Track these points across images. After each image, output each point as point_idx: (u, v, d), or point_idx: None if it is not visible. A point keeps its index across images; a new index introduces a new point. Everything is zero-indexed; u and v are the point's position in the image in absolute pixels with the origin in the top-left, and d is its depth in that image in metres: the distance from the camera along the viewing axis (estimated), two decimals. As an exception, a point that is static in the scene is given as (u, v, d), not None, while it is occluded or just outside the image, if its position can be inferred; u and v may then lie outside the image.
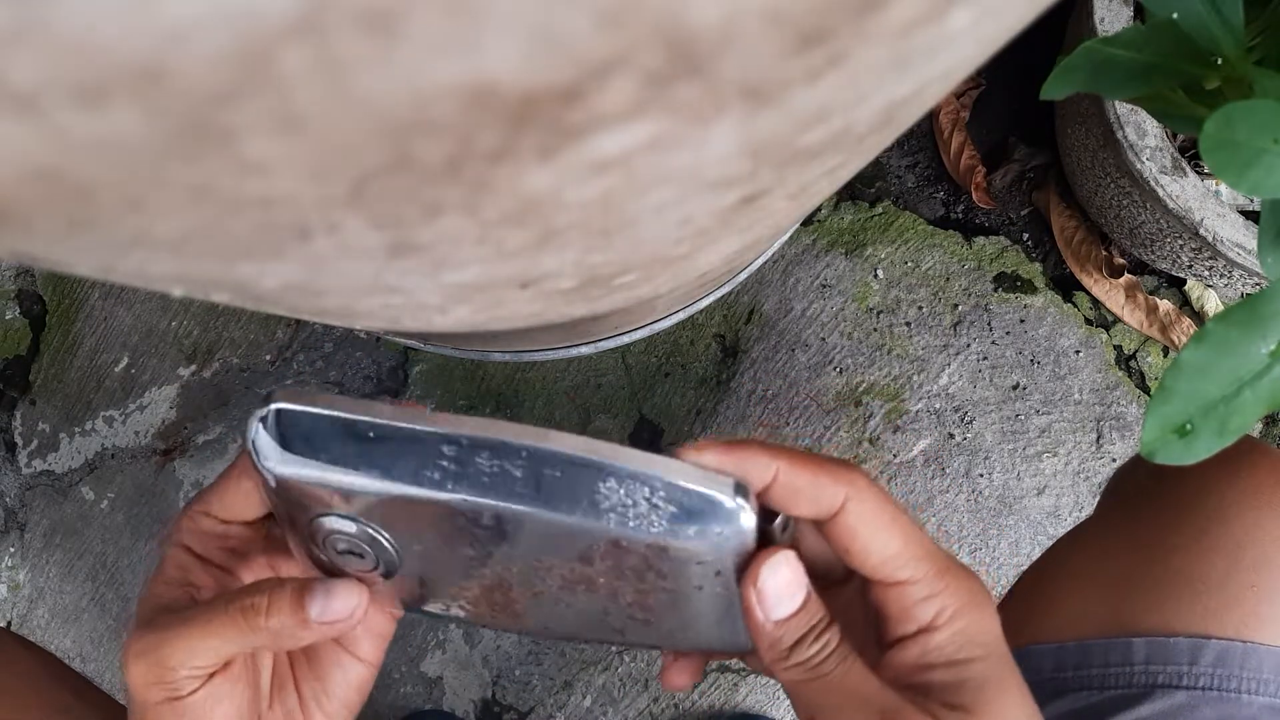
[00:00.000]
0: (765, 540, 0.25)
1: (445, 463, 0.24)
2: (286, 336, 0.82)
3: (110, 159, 0.10)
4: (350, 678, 0.30)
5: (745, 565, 0.25)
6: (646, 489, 0.24)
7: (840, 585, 0.29)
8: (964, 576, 0.26)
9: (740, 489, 0.24)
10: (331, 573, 0.28)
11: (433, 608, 0.29)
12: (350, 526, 0.25)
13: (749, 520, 0.24)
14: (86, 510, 0.83)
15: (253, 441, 0.24)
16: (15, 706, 0.40)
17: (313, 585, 0.26)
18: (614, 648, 0.79)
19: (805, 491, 0.25)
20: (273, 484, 0.25)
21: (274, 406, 0.24)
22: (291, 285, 0.16)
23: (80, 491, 0.83)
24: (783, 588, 0.25)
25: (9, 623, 0.83)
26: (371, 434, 0.24)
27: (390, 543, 0.26)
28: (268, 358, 0.82)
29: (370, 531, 0.25)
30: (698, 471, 0.24)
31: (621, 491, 0.24)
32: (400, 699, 0.80)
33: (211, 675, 0.26)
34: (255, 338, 0.82)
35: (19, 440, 0.84)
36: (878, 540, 0.25)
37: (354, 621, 0.26)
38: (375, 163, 0.11)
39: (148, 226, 0.12)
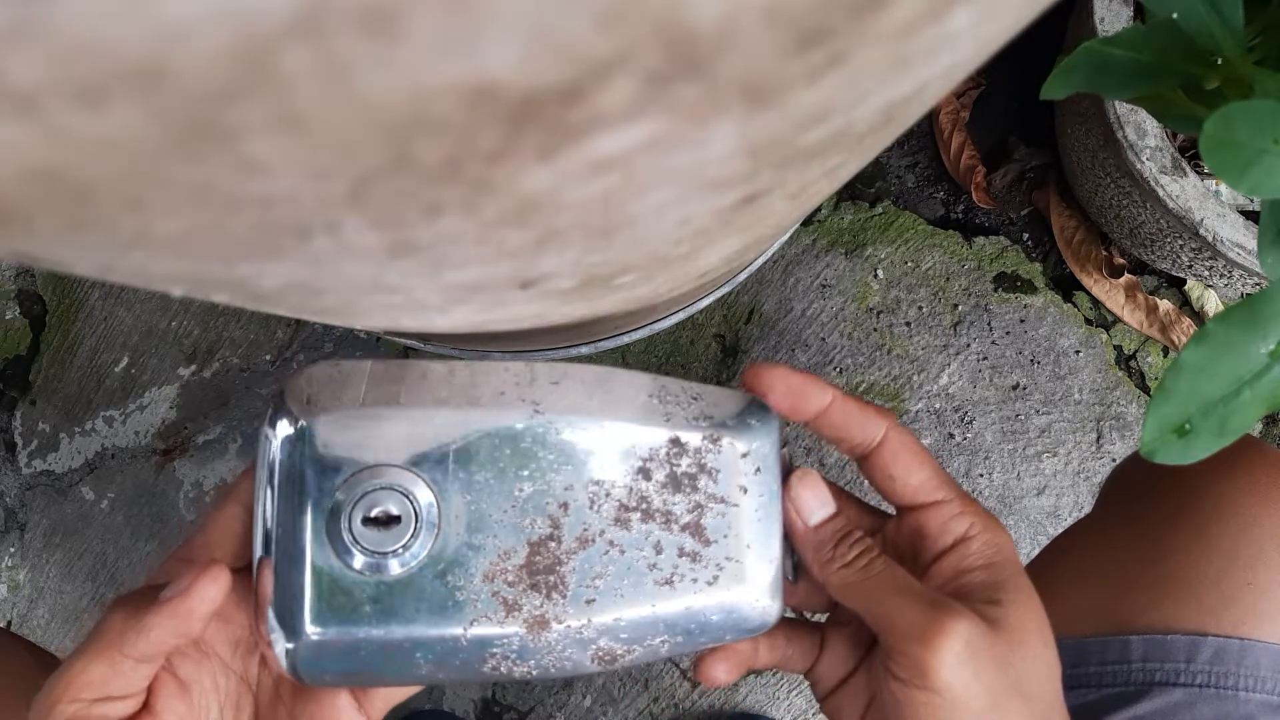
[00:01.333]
0: (786, 451, 0.29)
1: (516, 382, 0.26)
2: (286, 336, 0.82)
3: (110, 159, 0.10)
4: None
5: (776, 471, 0.28)
6: (695, 394, 0.28)
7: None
8: (985, 511, 0.29)
9: (760, 402, 0.28)
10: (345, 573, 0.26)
11: (467, 598, 0.26)
12: (393, 477, 0.25)
13: (770, 413, 0.28)
14: (86, 510, 0.83)
15: (282, 396, 0.25)
16: (15, 706, 0.40)
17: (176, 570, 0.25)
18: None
19: (855, 418, 0.29)
20: (321, 441, 0.24)
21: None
22: (291, 285, 0.16)
23: (80, 491, 0.83)
24: (814, 494, 0.29)
25: (9, 623, 0.83)
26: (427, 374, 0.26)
27: (435, 490, 0.25)
28: (268, 357, 0.82)
29: (415, 476, 0.25)
30: (725, 389, 0.28)
31: (675, 397, 0.28)
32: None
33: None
34: (255, 337, 0.82)
35: (19, 440, 0.84)
36: (915, 466, 0.29)
37: (203, 604, 0.24)
38: (375, 162, 0.11)
39: (148, 226, 0.12)
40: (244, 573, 0.27)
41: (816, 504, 0.29)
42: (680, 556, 0.27)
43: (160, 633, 0.24)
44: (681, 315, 0.51)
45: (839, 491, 0.31)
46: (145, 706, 0.25)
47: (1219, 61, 0.37)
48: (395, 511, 0.25)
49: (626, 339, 0.51)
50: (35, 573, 0.84)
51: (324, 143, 0.10)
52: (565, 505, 0.26)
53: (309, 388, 0.25)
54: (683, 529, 0.27)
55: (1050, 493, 0.77)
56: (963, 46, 0.13)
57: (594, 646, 0.27)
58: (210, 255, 0.13)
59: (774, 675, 0.77)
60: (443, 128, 0.10)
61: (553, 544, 0.26)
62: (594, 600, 0.26)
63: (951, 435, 0.77)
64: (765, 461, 0.28)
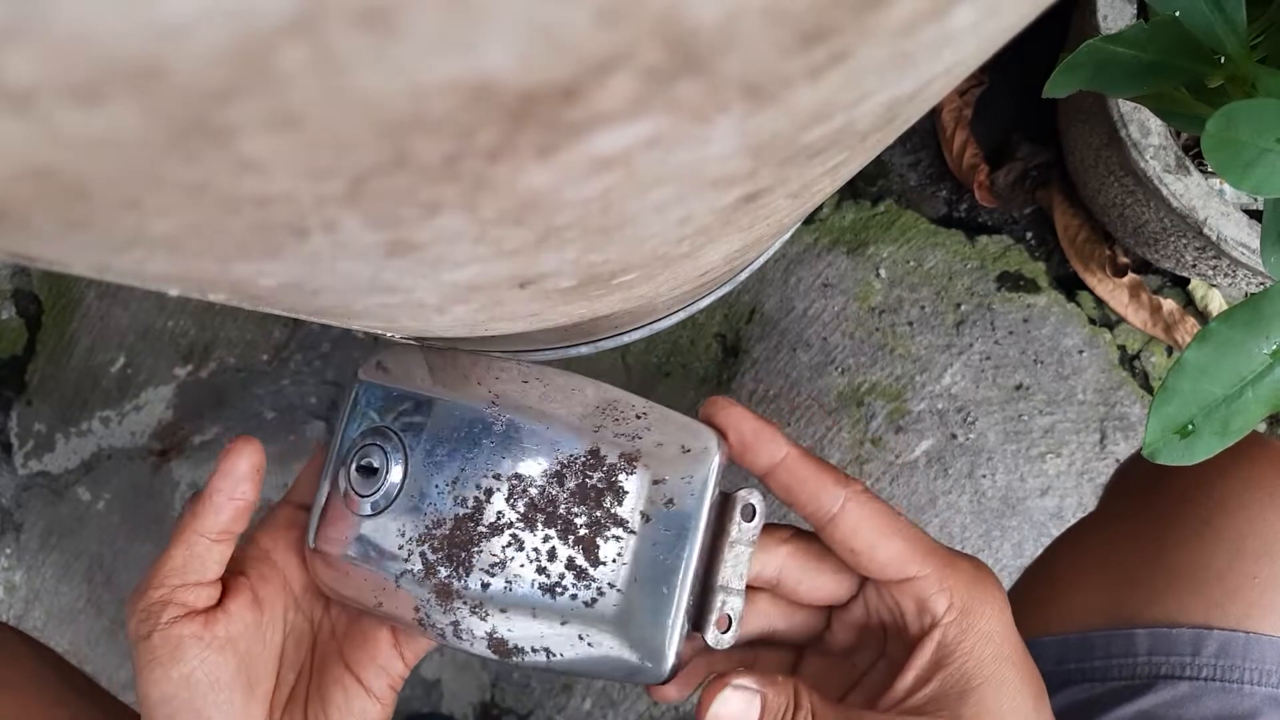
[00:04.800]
0: (725, 511, 0.28)
1: (491, 377, 0.29)
2: (284, 336, 0.82)
3: (107, 157, 0.10)
4: (352, 706, 0.31)
5: (698, 511, 0.27)
6: (641, 411, 0.28)
7: (846, 606, 0.30)
8: (973, 568, 0.28)
9: (716, 434, 0.27)
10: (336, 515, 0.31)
11: (395, 554, 0.29)
12: (383, 437, 0.29)
13: (713, 457, 0.27)
14: (83, 511, 0.83)
15: (358, 370, 0.31)
16: (17, 702, 0.40)
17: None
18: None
19: (809, 483, 0.27)
20: (358, 395, 0.31)
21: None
22: (288, 284, 0.16)
23: (76, 492, 0.83)
24: (735, 714, 0.26)
25: (5, 622, 0.83)
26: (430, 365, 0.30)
27: (406, 452, 0.29)
28: (264, 357, 0.82)
29: (397, 440, 0.29)
30: (684, 416, 0.28)
31: (619, 412, 0.28)
32: (399, 702, 0.80)
33: (184, 618, 0.28)
34: (252, 337, 0.82)
35: (15, 441, 0.84)
36: (881, 540, 0.26)
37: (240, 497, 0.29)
38: (373, 161, 0.11)
39: (144, 225, 0.12)
40: None
41: (741, 714, 0.26)
42: (568, 569, 0.27)
43: (219, 497, 0.29)
44: (682, 315, 0.51)
45: (785, 606, 0.30)
46: (220, 606, 0.29)
47: (1222, 60, 0.37)
48: (375, 464, 0.29)
49: (626, 339, 0.51)
50: (31, 574, 0.84)
51: (321, 141, 0.10)
52: (489, 492, 0.28)
53: (379, 365, 0.31)
54: (577, 542, 0.27)
55: (1054, 493, 0.77)
56: (965, 44, 0.13)
57: (489, 630, 0.28)
58: (207, 254, 0.13)
59: (775, 675, 0.77)
60: (441, 126, 0.10)
61: (470, 524, 0.28)
62: (489, 585, 0.28)
63: (954, 436, 0.77)
64: (680, 496, 0.26)
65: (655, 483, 0.27)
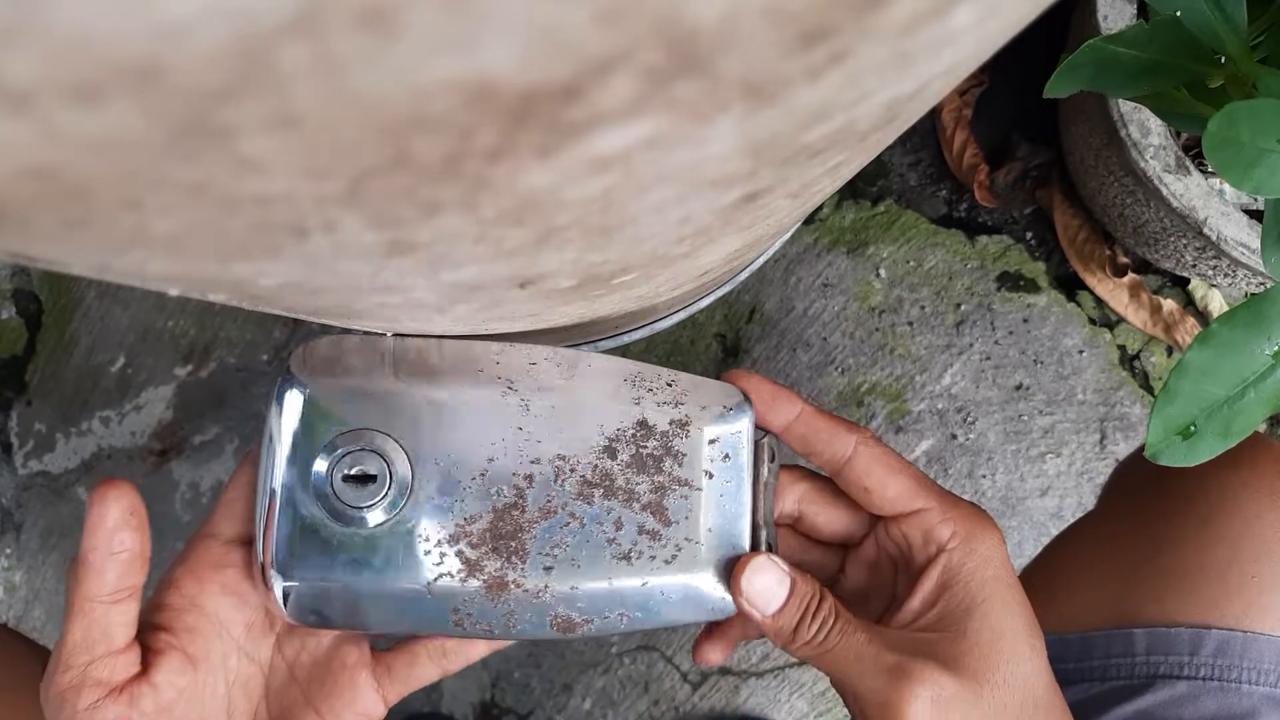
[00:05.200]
0: (759, 454, 0.29)
1: (496, 359, 0.28)
2: (284, 336, 0.82)
3: (107, 157, 0.10)
4: (360, 706, 0.30)
5: (746, 460, 0.29)
6: (669, 380, 0.28)
7: (859, 545, 0.32)
8: (971, 508, 0.29)
9: (741, 392, 0.29)
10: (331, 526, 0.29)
11: (420, 561, 0.28)
12: (369, 439, 0.27)
13: (748, 407, 0.29)
14: (83, 511, 0.83)
15: (289, 365, 0.27)
16: (15, 704, 0.40)
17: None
18: (614, 650, 0.78)
19: (823, 432, 0.29)
20: (308, 397, 0.27)
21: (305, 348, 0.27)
22: (288, 284, 0.16)
23: (76, 492, 0.83)
24: (767, 587, 0.28)
25: (4, 623, 0.83)
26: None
27: (410, 455, 0.27)
28: (265, 357, 0.82)
29: (393, 441, 0.27)
30: (705, 378, 0.29)
31: (649, 382, 0.28)
32: (398, 702, 0.80)
33: (123, 690, 0.26)
34: (252, 337, 0.82)
35: (15, 441, 0.84)
36: (890, 477, 0.29)
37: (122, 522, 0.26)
38: (373, 161, 0.11)
39: (144, 225, 0.12)
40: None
41: (770, 593, 0.28)
42: (640, 534, 0.28)
43: (95, 556, 0.25)
44: (682, 314, 0.51)
45: (804, 541, 0.32)
46: (144, 676, 0.26)
47: (1222, 60, 0.37)
48: (372, 471, 0.27)
49: (626, 339, 0.51)
50: (31, 574, 0.84)
51: (321, 141, 0.10)
52: (530, 477, 0.28)
53: (310, 360, 0.28)
54: (644, 508, 0.28)
55: (1054, 494, 0.77)
56: (965, 44, 0.13)
57: (552, 613, 0.28)
58: (207, 254, 0.13)
59: (775, 679, 0.77)
60: (441, 126, 0.10)
61: (516, 512, 0.28)
62: (552, 568, 0.28)
63: (954, 436, 0.77)
64: (734, 449, 0.28)
65: (711, 442, 0.28)
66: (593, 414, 0.28)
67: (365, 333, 0.27)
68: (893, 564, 0.30)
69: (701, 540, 0.28)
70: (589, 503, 0.28)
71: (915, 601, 0.28)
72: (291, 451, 0.27)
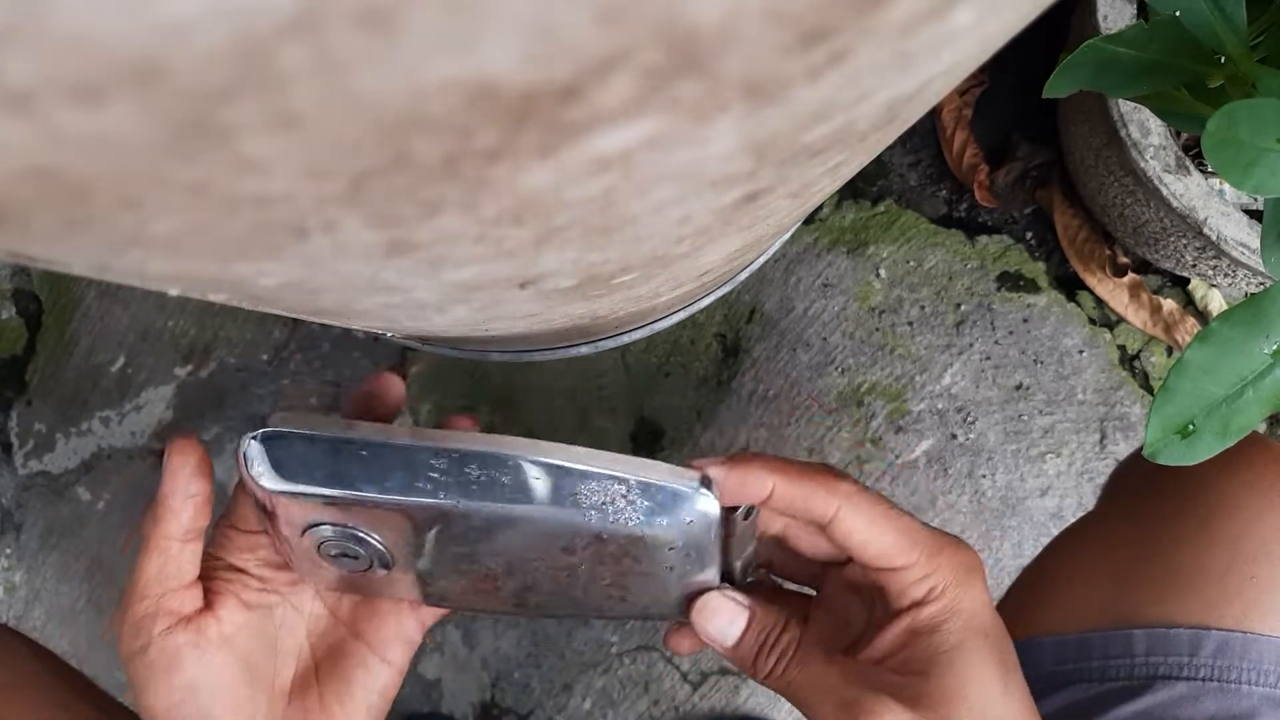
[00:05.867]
0: (730, 527, 0.29)
1: (435, 474, 0.26)
2: (283, 336, 0.82)
3: (107, 157, 0.10)
4: (374, 680, 0.32)
5: (714, 543, 0.28)
6: (623, 487, 0.26)
7: (842, 566, 0.32)
8: (957, 554, 0.29)
9: (705, 481, 0.27)
10: (323, 573, 0.30)
11: (400, 582, 0.30)
12: (342, 534, 0.27)
13: (713, 509, 0.27)
14: (83, 511, 0.83)
15: (244, 457, 0.26)
16: (17, 703, 0.40)
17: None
18: (614, 650, 0.78)
19: (800, 503, 0.28)
20: (267, 500, 0.26)
21: (265, 430, 0.26)
22: (288, 284, 0.16)
23: (76, 492, 0.83)
24: (722, 621, 0.29)
25: (5, 623, 0.83)
26: (364, 452, 0.26)
27: (382, 545, 0.28)
28: (264, 357, 0.82)
29: (362, 536, 0.27)
30: (668, 468, 0.27)
31: (601, 491, 0.26)
32: (398, 702, 0.79)
33: (175, 626, 0.28)
34: (252, 337, 0.82)
35: (15, 441, 0.84)
36: (873, 537, 0.28)
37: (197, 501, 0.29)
38: (373, 161, 0.11)
39: (144, 225, 0.12)
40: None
41: (726, 627, 0.30)
42: (609, 599, 0.30)
43: (175, 500, 0.28)
44: (682, 314, 0.51)
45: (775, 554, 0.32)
46: (209, 609, 0.29)
47: (1222, 60, 0.37)
48: (352, 556, 0.28)
49: (626, 339, 0.51)
50: (31, 574, 0.84)
51: (321, 141, 0.10)
52: (504, 565, 0.29)
53: (275, 451, 0.26)
54: (609, 585, 0.29)
55: (1054, 494, 0.77)
56: (966, 44, 0.13)
57: (527, 603, 0.30)
58: (207, 254, 0.13)
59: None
60: (441, 126, 0.10)
61: (488, 579, 0.29)
62: (524, 604, 0.30)
63: (954, 436, 0.77)
64: (696, 545, 0.28)
65: (670, 549, 0.28)
66: (546, 528, 0.27)
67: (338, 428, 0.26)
68: (872, 590, 0.30)
69: (669, 595, 0.30)
70: (556, 581, 0.29)
71: (885, 641, 0.29)
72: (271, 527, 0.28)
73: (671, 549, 0.28)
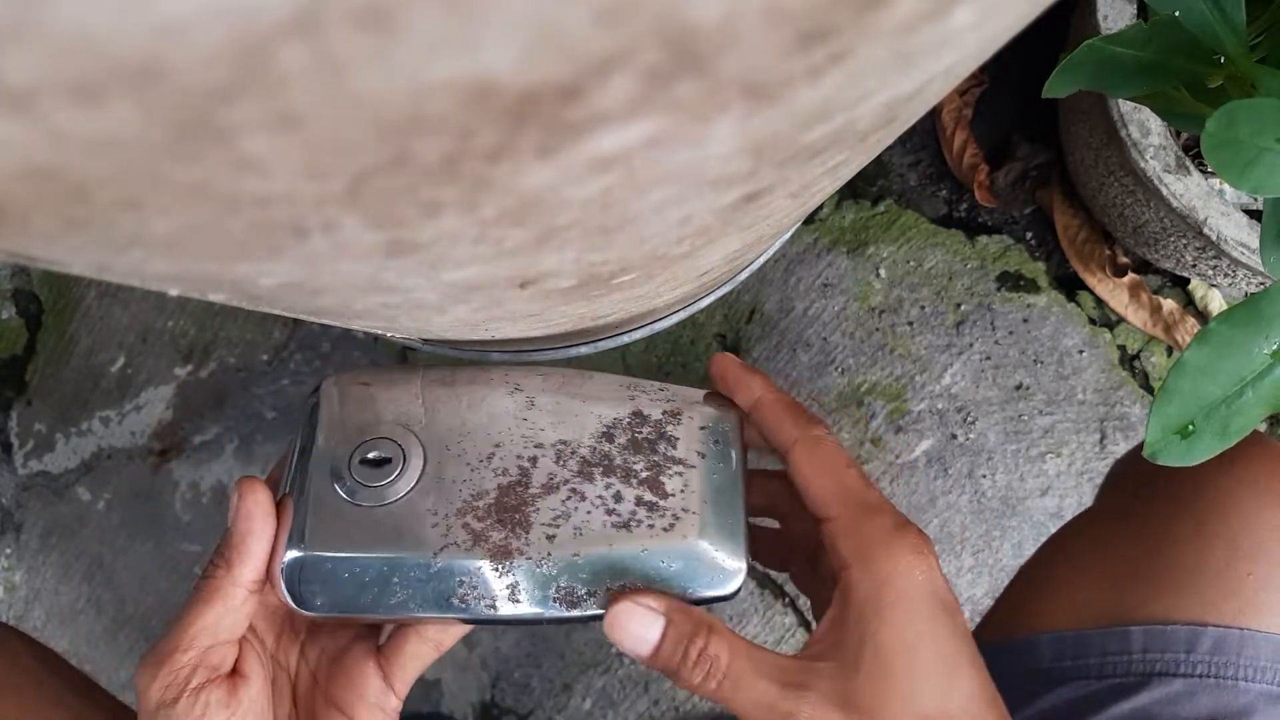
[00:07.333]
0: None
1: (500, 372, 0.32)
2: (283, 336, 0.82)
3: (107, 157, 0.10)
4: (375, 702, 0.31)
5: (736, 451, 0.31)
6: (660, 387, 0.32)
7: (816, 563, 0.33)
8: (899, 529, 0.27)
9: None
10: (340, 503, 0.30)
11: (427, 532, 0.30)
12: (386, 429, 0.30)
13: (737, 406, 0.32)
14: (83, 511, 0.83)
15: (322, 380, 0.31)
16: (17, 702, 0.40)
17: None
18: (614, 650, 0.78)
19: (771, 422, 0.30)
20: (335, 408, 0.31)
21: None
22: (288, 284, 0.16)
23: (76, 492, 0.83)
24: (634, 630, 0.27)
25: (5, 622, 0.83)
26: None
27: (422, 443, 0.30)
28: (264, 357, 0.82)
29: (406, 431, 0.30)
30: (695, 389, 0.32)
31: (643, 385, 0.32)
32: (401, 699, 0.80)
33: (212, 682, 0.27)
34: (252, 337, 0.82)
35: (15, 441, 0.84)
36: (815, 476, 0.29)
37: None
38: (373, 161, 0.11)
39: (144, 225, 0.12)
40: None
41: (639, 636, 0.27)
42: (638, 505, 0.30)
43: (253, 540, 0.27)
44: (682, 314, 0.51)
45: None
46: (237, 670, 0.28)
47: (1221, 60, 0.37)
48: (386, 455, 0.30)
49: (626, 339, 0.51)
50: (31, 574, 0.84)
51: (321, 141, 0.10)
52: (534, 459, 0.30)
53: (339, 380, 0.32)
54: (641, 483, 0.30)
55: (1054, 494, 0.77)
56: (965, 44, 0.13)
57: (554, 585, 0.29)
58: (207, 254, 0.13)
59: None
60: (441, 126, 0.10)
61: (520, 488, 0.30)
62: (554, 536, 0.29)
63: (954, 436, 0.77)
64: (725, 437, 0.31)
65: (702, 429, 0.31)
66: (591, 407, 0.31)
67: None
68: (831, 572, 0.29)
69: (698, 511, 0.30)
70: (589, 480, 0.30)
71: (821, 626, 0.27)
72: (311, 445, 0.30)
73: (703, 429, 0.31)
